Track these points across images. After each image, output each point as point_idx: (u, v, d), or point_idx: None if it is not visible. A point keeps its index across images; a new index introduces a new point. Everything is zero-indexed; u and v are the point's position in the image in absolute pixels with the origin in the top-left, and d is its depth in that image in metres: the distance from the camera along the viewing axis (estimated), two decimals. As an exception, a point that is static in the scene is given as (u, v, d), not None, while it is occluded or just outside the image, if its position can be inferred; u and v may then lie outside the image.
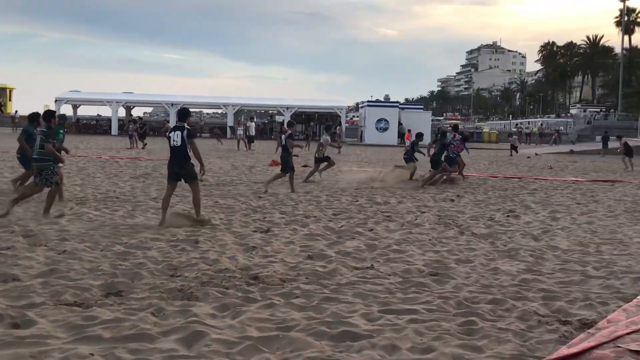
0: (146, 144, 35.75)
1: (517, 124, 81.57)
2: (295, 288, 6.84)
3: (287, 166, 16.61)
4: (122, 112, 63.67)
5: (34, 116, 13.25)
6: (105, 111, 70.48)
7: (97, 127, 64.48)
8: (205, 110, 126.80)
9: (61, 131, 13.89)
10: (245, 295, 6.53)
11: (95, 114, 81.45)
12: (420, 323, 5.74)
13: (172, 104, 58.91)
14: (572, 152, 24.84)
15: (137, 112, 73.64)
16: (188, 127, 10.90)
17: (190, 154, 10.70)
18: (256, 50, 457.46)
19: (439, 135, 20.07)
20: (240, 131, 38.35)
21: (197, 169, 10.88)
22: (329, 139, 21.36)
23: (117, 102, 60.34)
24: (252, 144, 38.16)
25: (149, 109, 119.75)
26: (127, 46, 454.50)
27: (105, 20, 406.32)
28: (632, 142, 29.75)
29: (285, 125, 18.51)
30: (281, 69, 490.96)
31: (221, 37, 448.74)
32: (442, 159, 18.87)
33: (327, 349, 5.05)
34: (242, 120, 46.49)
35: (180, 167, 10.73)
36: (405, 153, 22.08)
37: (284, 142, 16.91)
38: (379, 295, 6.68)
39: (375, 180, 19.05)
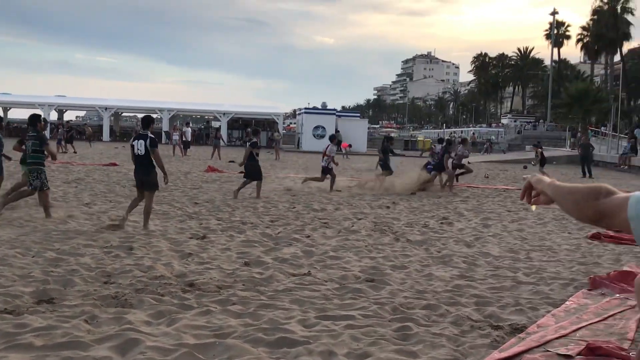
0: (74, 150, 34.91)
1: (451, 133, 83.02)
2: (231, 295, 6.81)
3: (257, 174, 16.54)
4: (54, 116, 62.20)
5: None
6: (36, 114, 68.60)
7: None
8: (140, 115, 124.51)
9: None
10: (181, 302, 6.47)
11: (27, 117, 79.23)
12: (357, 329, 5.80)
13: (105, 108, 57.94)
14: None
15: (69, 115, 72.11)
16: (151, 135, 10.95)
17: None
18: (192, 55, 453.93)
19: (445, 144, 21.45)
20: (175, 137, 37.97)
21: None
22: (335, 149, 21.47)
23: (49, 105, 58.84)
24: (188, 149, 37.82)
25: (82, 113, 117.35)
26: (60, 48, 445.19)
27: (36, 21, 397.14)
28: (559, 151, 30.65)
29: (250, 133, 18.76)
30: (218, 74, 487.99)
31: (157, 41, 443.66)
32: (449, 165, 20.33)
33: (264, 356, 5.04)
34: (178, 125, 46.03)
35: (145, 175, 10.86)
36: (380, 160, 22.55)
37: (249, 152, 16.79)
38: (315, 301, 6.72)
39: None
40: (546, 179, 2.10)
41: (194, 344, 5.23)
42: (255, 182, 16.53)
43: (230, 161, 31.91)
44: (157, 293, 6.76)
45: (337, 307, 6.55)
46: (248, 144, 17.41)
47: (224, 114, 58.38)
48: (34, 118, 11.63)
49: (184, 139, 37.49)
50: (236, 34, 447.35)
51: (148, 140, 10.78)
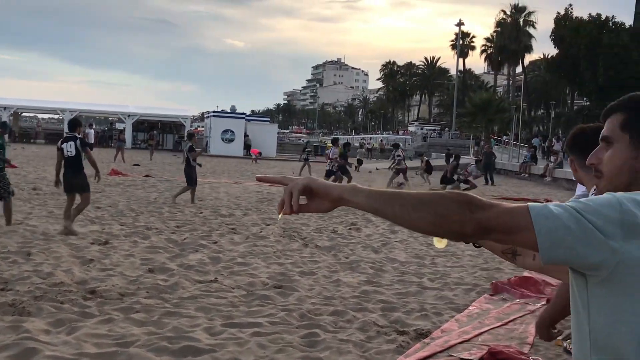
0: None
1: (361, 139, 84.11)
2: (135, 302, 6.62)
3: (191, 179, 16.24)
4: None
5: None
6: None
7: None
8: (40, 115, 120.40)
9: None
10: (82, 310, 6.24)
11: None
12: (264, 336, 5.74)
13: (4, 108, 55.53)
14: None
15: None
16: (80, 136, 11.12)
17: (85, 162, 10.89)
18: (98, 55, 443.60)
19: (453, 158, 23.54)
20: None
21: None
22: (337, 152, 21.36)
23: (-58, 104, 55.98)
24: (91, 151, 36.72)
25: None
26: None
27: None
28: (464, 159, 31.52)
29: (185, 137, 18.77)
30: (123, 74, 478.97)
31: (59, 39, 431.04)
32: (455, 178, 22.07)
33: (168, 365, 4.92)
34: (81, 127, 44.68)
35: (75, 177, 10.84)
36: (332, 167, 22.50)
37: (186, 156, 16.66)
38: (222, 308, 6.61)
39: None
40: (328, 182, 1.67)
41: (95, 353, 5.05)
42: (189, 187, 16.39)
43: (135, 164, 31.21)
44: (56, 300, 6.50)
45: (244, 314, 6.47)
46: (186, 148, 17.21)
47: (128, 115, 56.98)
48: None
49: (86, 140, 36.41)
50: (144, 34, 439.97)
51: (78, 141, 10.84)
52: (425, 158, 33.34)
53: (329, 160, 21.26)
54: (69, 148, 10.77)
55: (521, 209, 1.46)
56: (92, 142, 37.32)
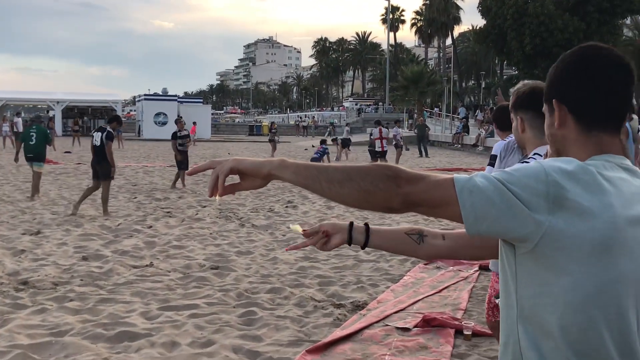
0: None
1: (297, 117, 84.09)
2: (69, 291, 6.52)
3: (183, 164, 16.27)
4: None
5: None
6: None
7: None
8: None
9: (32, 133, 14.17)
10: (14, 301, 6.12)
11: None
12: (201, 317, 5.74)
13: None
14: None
15: None
16: (110, 129, 12.02)
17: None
18: (21, 42, 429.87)
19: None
20: (6, 127, 35.69)
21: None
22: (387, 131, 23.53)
23: None
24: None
25: None
26: None
27: None
28: (401, 132, 31.69)
29: (174, 122, 18.00)
30: (51, 61, 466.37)
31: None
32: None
33: (104, 352, 4.88)
34: (8, 116, 43.36)
35: (98, 164, 11.83)
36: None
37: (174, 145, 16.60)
38: (158, 292, 6.58)
39: None
40: (257, 159, 1.64)
41: (29, 344, 4.98)
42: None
43: (66, 152, 30.52)
44: (-14, 294, 6.35)
45: (181, 296, 6.46)
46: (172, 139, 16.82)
47: (57, 102, 55.55)
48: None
49: (14, 129, 35.30)
50: (70, 19, 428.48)
51: (105, 133, 11.83)
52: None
53: (384, 140, 22.90)
54: (97, 138, 11.93)
55: (447, 182, 1.43)
56: (21, 131, 36.27)
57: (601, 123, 1.55)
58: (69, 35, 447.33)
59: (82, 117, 54.71)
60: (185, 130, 16.89)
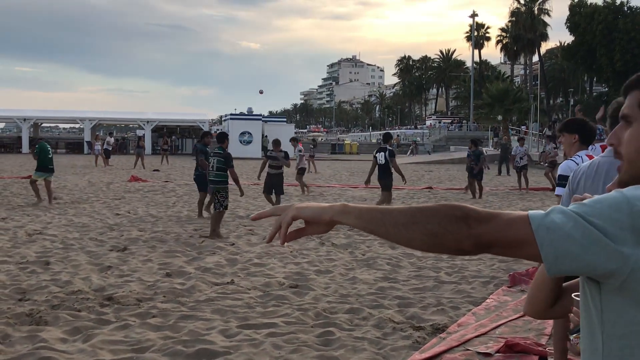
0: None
1: (379, 136, 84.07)
2: (151, 307, 6.66)
3: (266, 186, 15.29)
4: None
5: (204, 134, 14.61)
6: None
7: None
8: (61, 125, 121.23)
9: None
10: (99, 317, 6.29)
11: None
12: (279, 336, 5.75)
13: (24, 119, 56.10)
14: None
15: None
16: (390, 148, 14.00)
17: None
18: (115, 63, 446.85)
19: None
20: (98, 146, 37.03)
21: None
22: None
23: (-36, 118, 56.64)
24: (109, 159, 36.98)
25: (1, 125, 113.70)
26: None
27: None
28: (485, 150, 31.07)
29: (270, 144, 15.88)
30: (142, 81, 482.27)
31: (77, 49, 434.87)
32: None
33: (183, 369, 4.93)
34: (101, 135, 45.00)
35: (381, 180, 13.75)
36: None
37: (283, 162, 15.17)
38: (238, 310, 6.63)
39: None
40: (320, 205, 1.61)
41: (111, 359, 5.08)
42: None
43: (154, 170, 31.40)
44: (73, 308, 6.55)
45: (260, 315, 6.48)
46: (268, 158, 15.41)
47: (147, 121, 57.40)
48: (223, 136, 12.35)
49: (105, 147, 36.60)
50: (160, 40, 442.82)
51: (387, 152, 13.91)
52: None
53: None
54: (380, 157, 13.71)
55: (521, 220, 1.35)
56: (111, 149, 37.60)
57: None
58: (160, 57, 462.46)
59: (171, 136, 56.28)
60: (281, 151, 15.17)
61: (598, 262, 1.30)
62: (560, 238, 1.31)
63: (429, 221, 1.40)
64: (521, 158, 22.46)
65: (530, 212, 1.37)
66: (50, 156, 16.36)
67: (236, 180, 11.69)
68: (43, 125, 76.34)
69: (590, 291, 1.41)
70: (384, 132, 22.23)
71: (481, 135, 62.26)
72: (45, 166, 16.22)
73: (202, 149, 13.96)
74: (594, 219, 1.30)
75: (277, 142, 15.34)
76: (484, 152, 21.45)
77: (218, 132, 12.77)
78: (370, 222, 1.49)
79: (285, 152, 15.12)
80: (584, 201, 1.36)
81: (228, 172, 11.46)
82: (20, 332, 5.75)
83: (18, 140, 58.19)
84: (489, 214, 1.38)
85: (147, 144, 50.97)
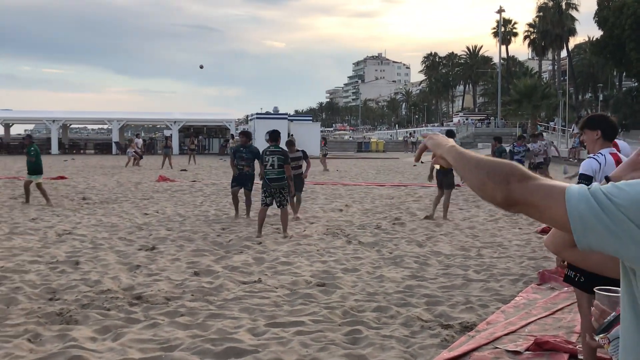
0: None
1: (406, 133, 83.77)
2: (180, 306, 6.70)
3: (301, 185, 14.61)
4: (0, 130, 60.90)
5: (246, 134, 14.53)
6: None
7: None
8: (89, 126, 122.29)
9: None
10: (128, 316, 6.34)
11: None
12: (306, 335, 5.75)
13: (53, 120, 56.78)
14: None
15: (17, 129, 70.65)
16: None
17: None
18: (141, 64, 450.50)
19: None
20: (130, 150, 36.95)
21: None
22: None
23: (-6, 119, 57.40)
24: (141, 159, 37.24)
25: (31, 126, 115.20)
26: (4, 61, 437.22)
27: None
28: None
29: (286, 146, 14.01)
30: (169, 82, 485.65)
31: (106, 50, 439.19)
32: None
33: (211, 367, 4.96)
34: (132, 136, 45.32)
35: (445, 176, 13.65)
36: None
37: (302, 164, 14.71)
38: (265, 309, 6.65)
39: None
40: (445, 141, 1.83)
41: (140, 358, 5.13)
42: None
43: (182, 169, 31.58)
44: (103, 308, 6.62)
45: (287, 313, 6.49)
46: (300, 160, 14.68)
47: (174, 122, 57.78)
48: (277, 134, 12.16)
49: (140, 148, 36.77)
50: (185, 41, 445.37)
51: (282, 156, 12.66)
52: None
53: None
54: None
55: (558, 188, 1.40)
56: (139, 150, 37.82)
57: None
58: (186, 57, 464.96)
59: (198, 136, 56.56)
60: (297, 151, 14.70)
61: (621, 245, 1.31)
62: (589, 212, 1.33)
63: (484, 171, 1.56)
64: (536, 155, 21.09)
65: (568, 184, 1.43)
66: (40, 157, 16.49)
67: (291, 177, 11.82)
68: (72, 126, 77.23)
69: (625, 280, 1.42)
70: (447, 129, 21.68)
71: (509, 132, 61.73)
72: (41, 168, 16.50)
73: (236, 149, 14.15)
74: (621, 201, 1.32)
75: (291, 143, 14.94)
76: (506, 149, 20.75)
77: (271, 130, 12.28)
78: (457, 163, 1.71)
79: (303, 151, 15.03)
80: (618, 183, 1.38)
81: (285, 168, 11.61)
82: (51, 331, 5.82)
83: (47, 141, 58.89)
84: (529, 176, 1.48)
85: (175, 144, 51.29)
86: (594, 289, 1.71)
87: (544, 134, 38.57)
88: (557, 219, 1.39)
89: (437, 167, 2.07)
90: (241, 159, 13.94)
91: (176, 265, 8.85)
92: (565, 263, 4.44)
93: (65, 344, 5.43)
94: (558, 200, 1.38)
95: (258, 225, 11.66)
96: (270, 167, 11.60)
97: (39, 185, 16.21)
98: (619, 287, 1.46)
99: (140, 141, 39.41)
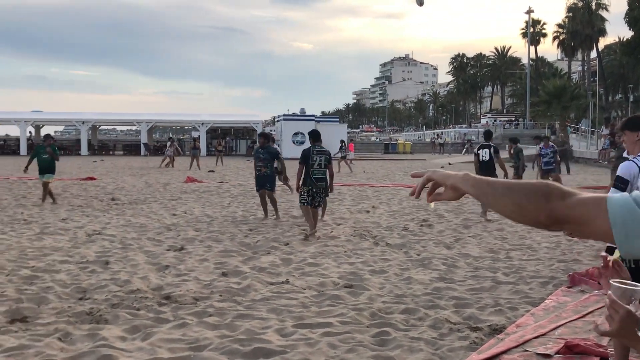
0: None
1: (433, 135, 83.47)
2: (208, 306, 6.73)
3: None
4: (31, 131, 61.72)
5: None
6: (13, 130, 68.21)
7: (5, 147, 61.41)
8: (118, 128, 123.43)
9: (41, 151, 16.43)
10: (157, 315, 6.38)
11: (4, 134, 78.84)
12: (334, 336, 5.74)
13: (83, 122, 57.44)
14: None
15: (47, 131, 71.42)
16: (494, 145, 14.30)
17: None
18: (169, 66, 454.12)
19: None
20: (173, 147, 37.00)
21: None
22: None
23: (25, 121, 57.97)
24: (174, 161, 37.43)
25: (60, 128, 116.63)
26: (35, 63, 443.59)
27: (10, 36, 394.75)
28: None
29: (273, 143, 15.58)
30: (196, 83, 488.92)
31: (132, 52, 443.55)
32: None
33: (239, 368, 4.97)
34: (175, 141, 45.50)
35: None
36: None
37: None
38: (293, 309, 6.65)
39: None
40: (448, 173, 1.80)
41: (169, 357, 5.16)
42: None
43: (209, 171, 31.74)
44: (132, 307, 6.67)
45: (315, 314, 6.49)
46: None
47: (202, 123, 58.16)
48: (318, 134, 12.17)
49: (175, 149, 36.87)
50: (213, 42, 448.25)
51: (492, 149, 14.36)
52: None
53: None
54: (484, 154, 14.20)
55: (598, 199, 1.40)
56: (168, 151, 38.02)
57: None
58: (213, 59, 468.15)
59: (225, 137, 56.85)
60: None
61: None
62: (632, 219, 1.34)
63: (520, 194, 1.54)
64: (544, 158, 19.30)
65: (608, 194, 1.43)
66: None
67: (332, 177, 12.10)
68: (101, 127, 78.06)
69: None
70: (485, 129, 20.87)
71: (538, 134, 61.17)
72: (55, 167, 16.86)
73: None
74: None
75: (266, 136, 15.11)
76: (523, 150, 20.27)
77: (310, 131, 12.14)
78: (479, 191, 1.67)
79: (328, 152, 14.79)
80: None
81: (328, 168, 11.84)
82: (81, 330, 5.88)
83: (77, 142, 59.60)
84: (569, 192, 1.48)
85: (202, 145, 51.59)
86: (610, 281, 1.71)
87: (553, 137, 37.95)
88: (601, 230, 1.39)
89: (432, 205, 1.91)
90: (259, 160, 14.01)
91: (204, 265, 8.89)
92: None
93: (95, 343, 5.48)
94: (600, 210, 1.38)
95: (311, 223, 11.70)
96: (318, 167, 11.69)
97: (46, 184, 16.50)
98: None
99: (169, 142, 39.67)
